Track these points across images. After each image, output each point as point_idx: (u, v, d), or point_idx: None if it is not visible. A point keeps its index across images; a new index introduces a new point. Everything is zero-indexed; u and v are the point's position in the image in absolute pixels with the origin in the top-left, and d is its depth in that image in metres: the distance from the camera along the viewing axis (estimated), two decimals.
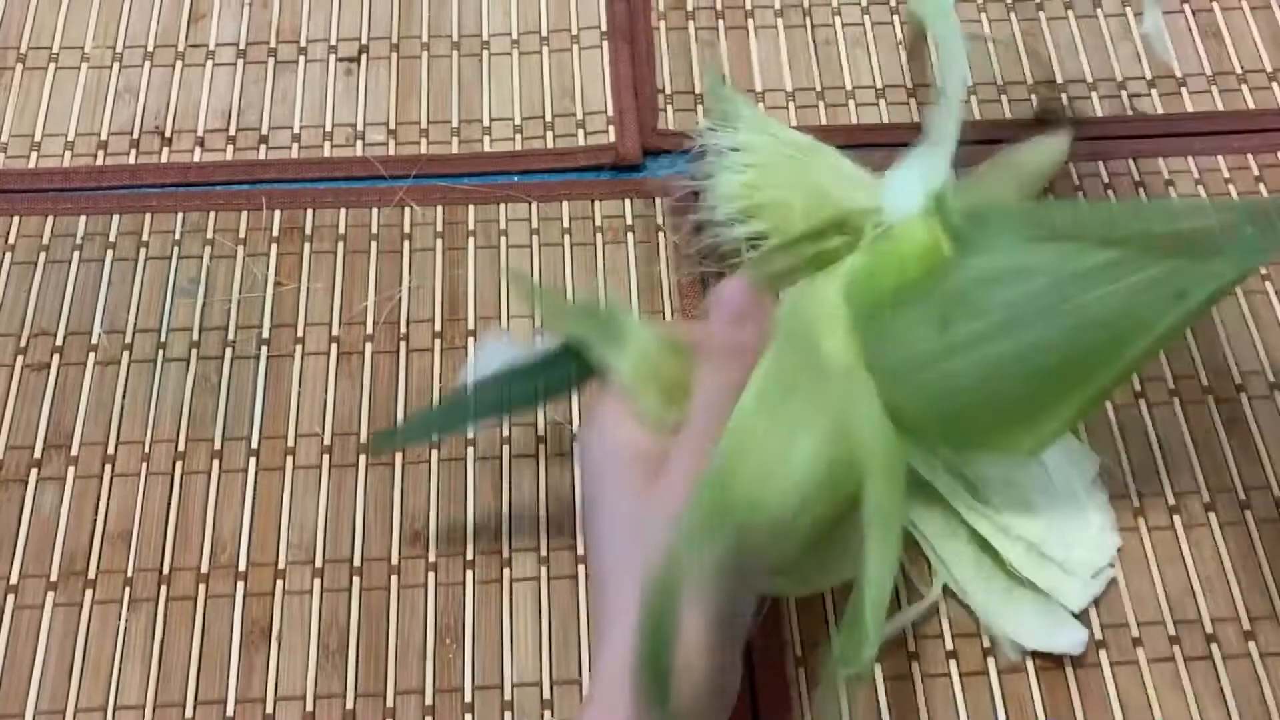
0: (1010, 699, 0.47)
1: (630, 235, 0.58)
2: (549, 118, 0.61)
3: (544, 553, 0.50)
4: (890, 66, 0.63)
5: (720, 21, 0.65)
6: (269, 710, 0.47)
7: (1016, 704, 0.47)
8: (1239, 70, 0.63)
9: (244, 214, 0.58)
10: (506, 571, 0.49)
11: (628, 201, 0.59)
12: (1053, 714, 0.47)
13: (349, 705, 0.47)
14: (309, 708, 0.47)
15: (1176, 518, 0.51)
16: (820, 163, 0.55)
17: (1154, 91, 0.62)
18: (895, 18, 0.65)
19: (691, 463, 0.38)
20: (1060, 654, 0.48)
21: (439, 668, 0.48)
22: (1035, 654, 0.48)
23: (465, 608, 0.49)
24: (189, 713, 0.47)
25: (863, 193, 0.52)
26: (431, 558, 0.50)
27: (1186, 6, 0.65)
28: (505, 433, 0.53)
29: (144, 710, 0.47)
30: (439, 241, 0.57)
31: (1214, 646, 0.48)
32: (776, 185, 0.55)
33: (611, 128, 0.61)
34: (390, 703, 0.47)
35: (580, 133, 0.61)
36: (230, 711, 0.47)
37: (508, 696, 0.47)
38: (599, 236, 0.58)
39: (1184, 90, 0.62)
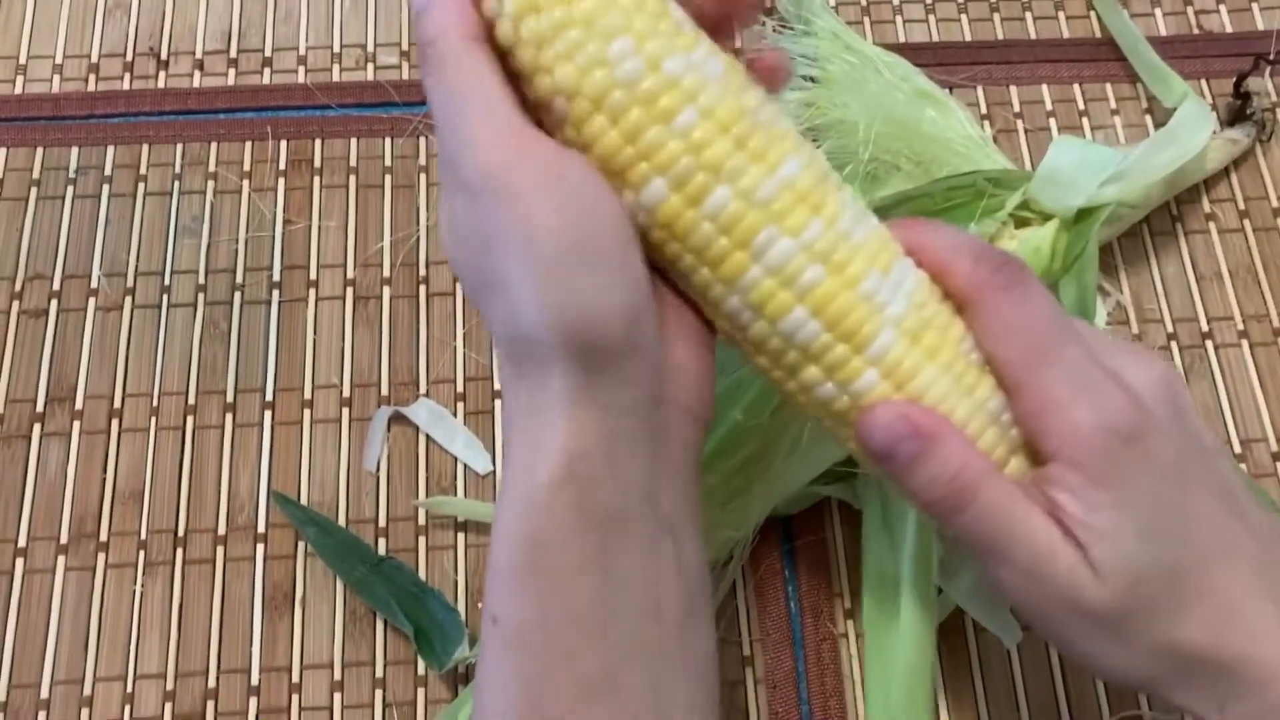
0: None
1: None
2: None
3: None
4: None
5: None
6: (295, 679, 0.45)
7: None
8: None
9: (248, 144, 0.54)
10: None
11: None
12: None
13: (379, 674, 0.45)
14: (337, 676, 0.45)
15: (1243, 465, 0.49)
16: (904, 87, 0.51)
17: (1222, 8, 0.58)
18: None
19: None
20: None
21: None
22: None
23: None
24: (211, 682, 0.45)
25: (960, 141, 0.49)
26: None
27: None
28: None
29: (165, 679, 0.45)
30: None
31: None
32: (845, 105, 0.50)
33: None
34: (421, 670, 0.45)
35: None
36: (255, 681, 0.45)
37: None
38: None
39: (1255, 6, 0.58)
